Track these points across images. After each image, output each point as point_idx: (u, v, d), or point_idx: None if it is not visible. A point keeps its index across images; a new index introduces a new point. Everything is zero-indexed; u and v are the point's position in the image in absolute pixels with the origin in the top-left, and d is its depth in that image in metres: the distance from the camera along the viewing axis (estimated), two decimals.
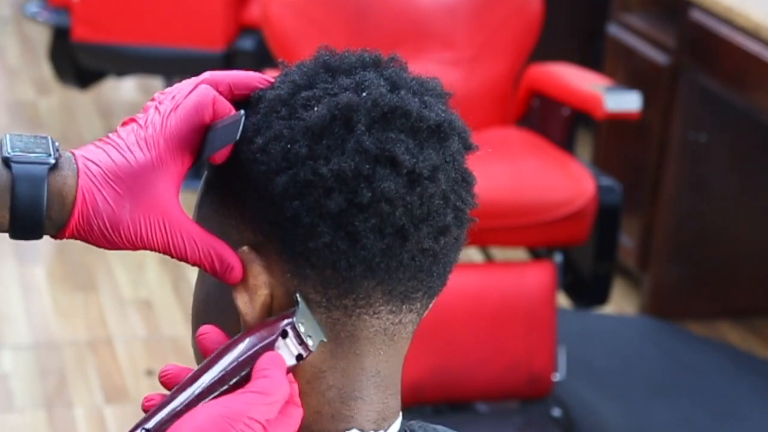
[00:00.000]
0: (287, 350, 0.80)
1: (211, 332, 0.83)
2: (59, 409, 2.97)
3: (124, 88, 5.06)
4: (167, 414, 0.78)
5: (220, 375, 0.79)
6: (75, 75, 4.18)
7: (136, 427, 0.78)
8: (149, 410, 0.79)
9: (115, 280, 3.57)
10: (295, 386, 0.82)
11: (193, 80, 0.85)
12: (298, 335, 0.81)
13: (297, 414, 0.81)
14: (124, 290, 3.52)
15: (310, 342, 0.81)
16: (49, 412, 2.96)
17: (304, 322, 0.81)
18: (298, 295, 0.82)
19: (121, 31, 4.00)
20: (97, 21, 3.97)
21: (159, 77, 4.53)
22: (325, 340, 0.82)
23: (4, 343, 3.24)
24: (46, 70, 4.87)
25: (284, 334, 0.80)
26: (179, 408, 0.78)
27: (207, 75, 0.86)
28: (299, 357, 0.81)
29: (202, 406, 0.77)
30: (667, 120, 3.38)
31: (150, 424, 0.78)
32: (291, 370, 0.81)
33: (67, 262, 3.65)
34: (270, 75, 0.88)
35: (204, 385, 0.79)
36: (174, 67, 4.14)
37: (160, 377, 0.82)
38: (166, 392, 0.81)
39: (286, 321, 0.81)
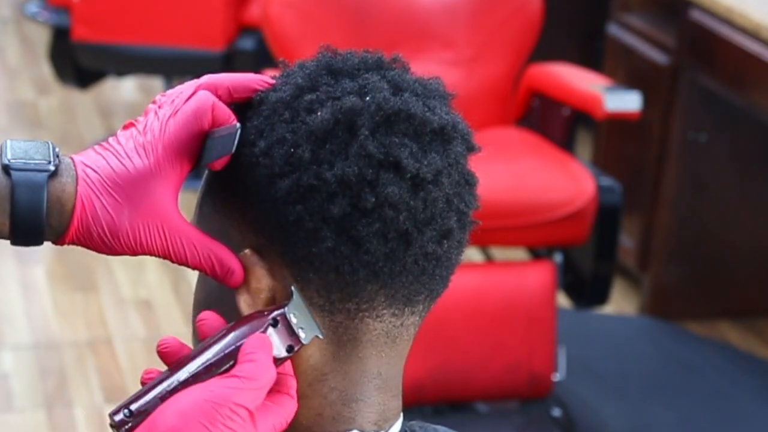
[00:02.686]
0: (277, 340, 0.80)
1: (209, 318, 0.83)
2: (59, 409, 2.97)
3: (124, 88, 5.06)
4: (152, 397, 0.78)
5: (206, 363, 0.79)
6: (75, 75, 4.18)
7: (121, 407, 0.78)
8: (146, 384, 0.80)
9: (115, 280, 3.57)
10: (293, 379, 0.81)
11: (193, 84, 0.85)
12: (289, 326, 0.80)
13: (290, 404, 0.80)
14: (124, 290, 3.52)
15: (302, 334, 0.81)
16: (49, 412, 2.96)
17: (296, 314, 0.81)
18: (293, 287, 0.81)
19: (121, 31, 4.00)
20: (97, 21, 3.97)
21: (159, 77, 4.53)
22: (320, 335, 0.82)
23: (4, 343, 3.24)
24: (46, 70, 4.87)
25: (274, 323, 0.80)
26: (164, 393, 0.78)
27: (206, 79, 0.85)
28: (290, 348, 0.80)
29: (186, 390, 0.77)
30: (667, 120, 3.38)
31: (135, 406, 0.78)
32: (282, 361, 0.81)
33: (67, 262, 3.65)
34: (270, 75, 0.88)
35: (190, 372, 0.79)
36: (174, 67, 4.14)
37: (158, 348, 0.82)
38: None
39: (277, 311, 0.81)
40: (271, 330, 0.80)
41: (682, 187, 3.38)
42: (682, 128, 3.33)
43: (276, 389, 0.80)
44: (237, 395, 0.76)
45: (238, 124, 0.82)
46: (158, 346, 0.82)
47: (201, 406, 0.75)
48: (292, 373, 0.82)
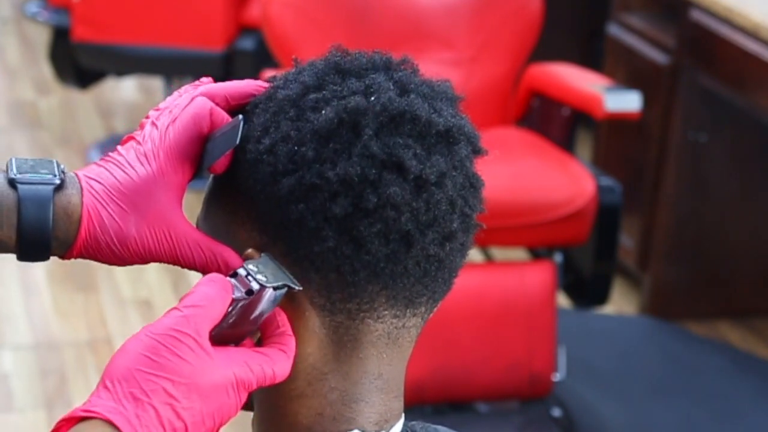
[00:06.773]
0: (237, 287, 0.80)
1: None
2: (59, 409, 2.97)
3: (124, 88, 5.06)
4: None
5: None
6: (75, 75, 4.17)
7: None
8: None
9: (115, 280, 3.57)
10: (283, 316, 0.82)
11: (189, 94, 0.86)
12: (248, 275, 0.80)
13: (275, 354, 0.81)
14: (124, 290, 3.52)
15: (262, 278, 0.80)
16: (49, 412, 2.96)
17: (264, 270, 0.80)
18: (263, 254, 0.82)
19: (121, 31, 4.00)
20: (97, 21, 3.97)
21: (159, 77, 4.53)
22: (296, 287, 0.81)
23: (4, 343, 3.24)
24: (46, 70, 4.87)
25: (234, 275, 0.81)
26: None
27: (202, 89, 0.87)
28: (249, 292, 0.79)
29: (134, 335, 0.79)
30: (667, 120, 3.38)
31: None
32: (245, 309, 0.80)
33: (67, 262, 3.63)
34: (270, 75, 0.88)
35: None
36: (174, 67, 4.14)
37: None
38: None
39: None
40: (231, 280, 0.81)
41: (682, 187, 3.38)
42: (682, 128, 3.33)
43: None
44: (178, 323, 0.79)
45: (241, 116, 0.83)
46: None
47: (142, 340, 0.78)
48: (288, 325, 0.82)
